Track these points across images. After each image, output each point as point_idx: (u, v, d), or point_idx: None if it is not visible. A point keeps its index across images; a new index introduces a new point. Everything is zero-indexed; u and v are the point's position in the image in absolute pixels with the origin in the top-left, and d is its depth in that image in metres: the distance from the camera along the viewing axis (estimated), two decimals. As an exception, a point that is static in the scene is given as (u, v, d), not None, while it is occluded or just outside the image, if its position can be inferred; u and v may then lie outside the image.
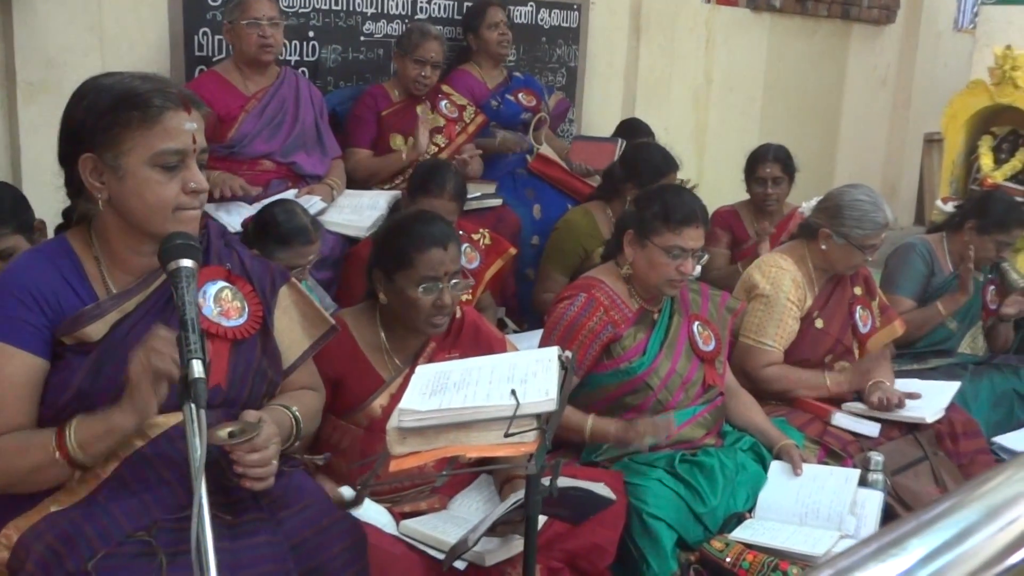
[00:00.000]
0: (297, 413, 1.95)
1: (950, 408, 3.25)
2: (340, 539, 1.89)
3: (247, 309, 1.91)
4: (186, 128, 1.75)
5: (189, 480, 1.43)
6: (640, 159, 3.85)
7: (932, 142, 7.68)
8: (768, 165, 4.32)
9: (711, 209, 4.60)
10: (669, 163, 3.84)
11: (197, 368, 1.49)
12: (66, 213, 1.90)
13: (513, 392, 1.75)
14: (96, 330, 1.76)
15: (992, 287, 3.93)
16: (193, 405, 1.46)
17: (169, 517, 1.74)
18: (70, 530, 1.67)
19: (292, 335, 2.04)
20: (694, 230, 2.76)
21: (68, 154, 1.77)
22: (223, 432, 1.67)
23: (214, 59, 3.86)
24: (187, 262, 1.61)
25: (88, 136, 1.73)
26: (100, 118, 1.72)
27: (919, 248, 3.89)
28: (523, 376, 1.82)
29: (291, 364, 2.04)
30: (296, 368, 2.06)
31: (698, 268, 2.83)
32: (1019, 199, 4.94)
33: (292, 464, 2.00)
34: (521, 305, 4.23)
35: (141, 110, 1.71)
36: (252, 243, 2.82)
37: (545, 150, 4.54)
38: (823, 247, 3.27)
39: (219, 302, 1.86)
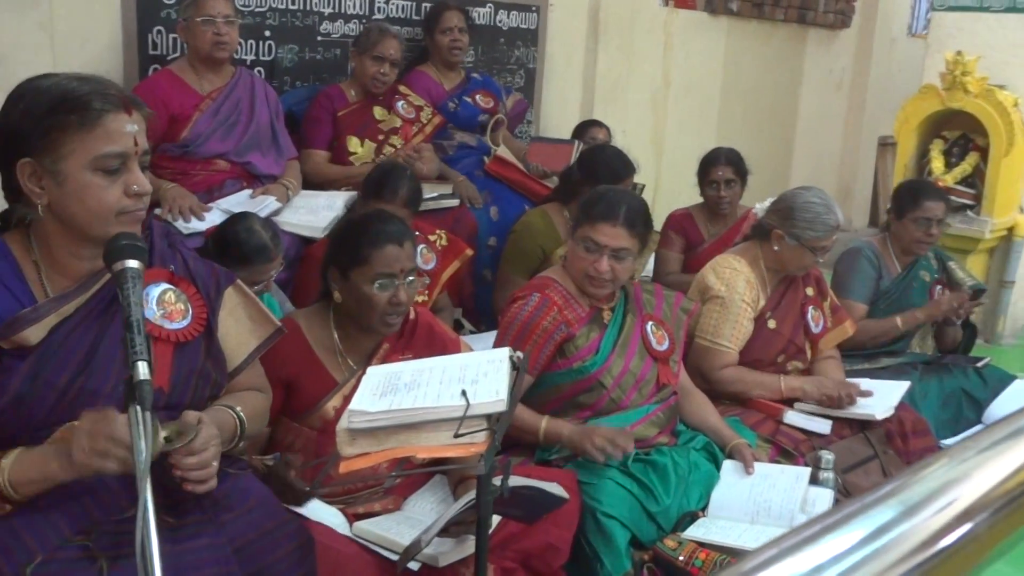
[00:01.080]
0: (241, 413, 1.93)
1: (900, 407, 3.31)
2: (286, 541, 1.87)
3: (191, 311, 1.89)
4: (127, 130, 1.72)
5: (129, 483, 1.42)
6: (597, 162, 3.87)
7: (886, 145, 7.78)
8: (720, 168, 4.36)
9: (668, 210, 4.68)
10: (626, 166, 3.86)
11: (143, 370, 1.47)
12: (4, 215, 1.86)
13: (463, 393, 1.75)
14: (34, 334, 1.73)
15: (939, 287, 3.99)
16: (139, 407, 1.45)
17: (109, 520, 1.71)
18: (7, 536, 1.65)
19: (238, 337, 2.03)
20: (610, 227, 2.77)
21: (4, 158, 1.73)
22: (160, 436, 1.65)
23: (168, 58, 3.83)
24: (133, 263, 1.59)
25: (25, 141, 1.69)
26: (37, 122, 1.69)
27: (865, 251, 3.95)
28: (474, 377, 1.82)
29: (237, 366, 2.03)
30: (242, 370, 2.04)
31: (650, 265, 2.85)
32: (956, 199, 5.06)
33: (240, 466, 1.98)
34: (478, 306, 4.23)
35: (79, 113, 1.68)
36: (212, 260, 2.82)
37: (502, 152, 4.54)
38: (776, 248, 3.31)
39: (162, 304, 1.84)
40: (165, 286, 1.87)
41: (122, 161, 1.72)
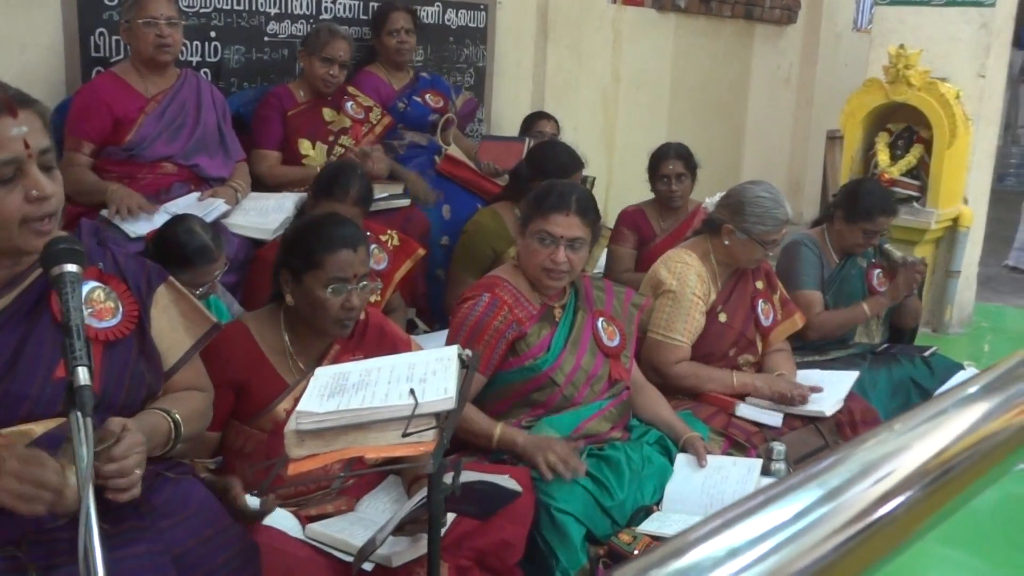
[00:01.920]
0: (176, 416, 1.89)
1: (849, 397, 3.35)
2: (225, 548, 1.84)
3: (121, 309, 1.85)
4: (13, 134, 1.65)
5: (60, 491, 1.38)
6: (546, 157, 3.88)
7: (834, 139, 7.89)
8: (671, 162, 4.39)
9: (620, 206, 4.71)
10: (575, 161, 3.88)
11: (83, 375, 1.44)
12: None
13: (412, 391, 1.75)
14: None
15: (878, 271, 4.04)
16: (79, 413, 1.42)
17: (40, 529, 1.67)
18: None
19: (173, 335, 1.99)
20: (563, 217, 2.78)
21: None
22: None
23: (111, 60, 3.77)
24: (71, 267, 1.56)
25: None
26: None
27: (805, 241, 3.99)
28: (422, 375, 1.82)
29: (172, 365, 1.99)
30: (178, 369, 2.01)
31: (601, 261, 2.86)
32: (902, 191, 5.13)
33: (180, 470, 1.95)
34: (431, 306, 4.22)
35: None
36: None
37: (453, 151, 4.54)
38: (726, 243, 3.34)
39: (90, 303, 1.80)
40: (93, 284, 1.83)
41: (15, 167, 1.66)
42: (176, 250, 2.84)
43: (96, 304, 1.82)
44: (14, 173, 1.67)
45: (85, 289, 1.80)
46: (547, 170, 3.72)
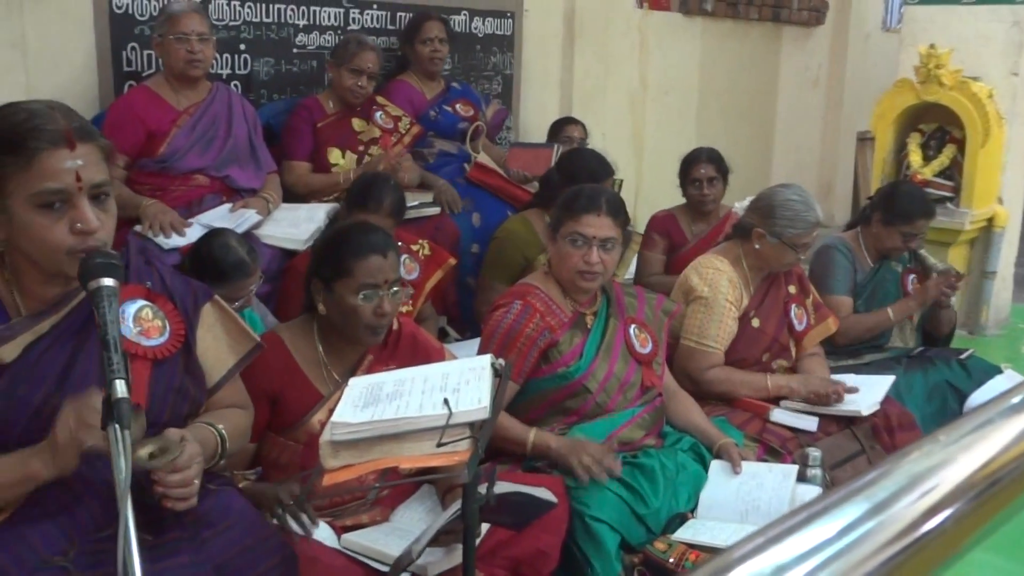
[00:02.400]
0: (223, 431, 1.92)
1: (885, 401, 3.31)
2: (267, 558, 1.86)
3: (168, 328, 1.88)
4: (66, 167, 1.68)
5: (108, 501, 1.40)
6: (576, 165, 3.88)
7: (865, 140, 7.82)
8: (702, 166, 4.37)
9: (650, 211, 4.69)
10: (605, 168, 3.87)
11: (120, 388, 1.46)
12: None
13: (446, 401, 1.75)
14: (7, 352, 1.72)
15: (912, 276, 3.99)
16: (117, 426, 1.44)
17: (88, 539, 1.70)
18: None
19: (217, 353, 2.02)
20: (595, 217, 2.79)
21: None
22: (143, 452, 1.64)
23: (143, 74, 3.81)
24: (108, 281, 1.58)
25: None
26: None
27: (838, 247, 3.96)
28: (456, 385, 1.82)
29: (216, 382, 2.01)
30: (221, 386, 2.03)
31: (631, 268, 2.85)
32: (935, 191, 5.08)
33: (221, 482, 1.97)
34: (463, 313, 4.22)
35: (15, 154, 1.66)
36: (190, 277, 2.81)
37: (483, 159, 4.54)
38: (757, 247, 3.32)
39: (139, 321, 1.83)
40: (142, 303, 1.86)
41: (63, 198, 1.69)
42: (212, 265, 2.86)
43: (144, 323, 1.84)
44: (63, 203, 1.69)
45: (133, 308, 1.83)
46: (577, 177, 3.71)
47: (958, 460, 0.73)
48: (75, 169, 1.69)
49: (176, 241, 3.35)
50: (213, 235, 3.02)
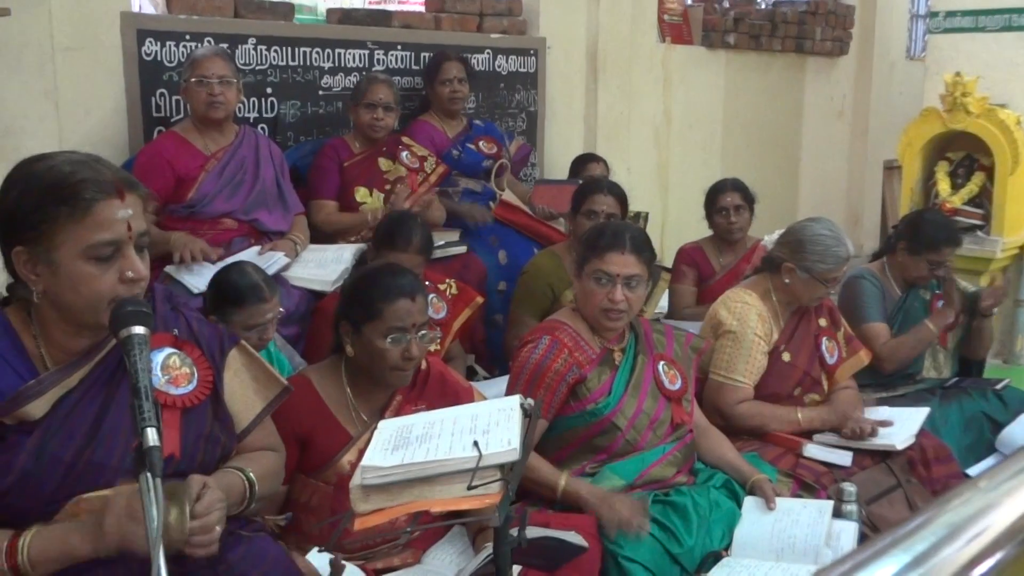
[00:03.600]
0: (251, 475, 1.91)
1: (921, 434, 3.27)
2: None
3: (196, 375, 1.88)
4: (119, 217, 1.71)
5: (143, 555, 1.40)
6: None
7: (892, 169, 7.79)
8: (728, 194, 4.37)
9: (676, 245, 4.68)
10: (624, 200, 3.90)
11: (152, 436, 1.46)
12: (10, 288, 1.84)
13: (475, 443, 1.74)
14: (37, 408, 1.71)
15: (940, 303, 3.94)
16: (149, 474, 1.44)
17: None
18: None
19: (244, 398, 2.01)
20: (619, 255, 2.78)
21: (4, 240, 1.73)
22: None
23: (172, 120, 3.87)
24: (139, 329, 1.58)
25: (19, 230, 1.69)
26: (29, 214, 1.68)
27: (866, 276, 3.92)
28: (485, 427, 1.81)
29: (245, 428, 2.01)
30: (250, 431, 2.03)
31: (663, 303, 2.84)
32: (965, 220, 5.03)
33: (254, 528, 1.96)
34: (491, 351, 4.22)
35: (70, 204, 1.67)
36: (210, 309, 2.83)
37: (508, 196, 4.56)
38: (787, 281, 3.29)
39: (167, 370, 1.83)
40: (169, 351, 1.86)
41: (115, 248, 1.71)
42: (229, 289, 2.87)
43: (172, 371, 1.84)
44: (113, 253, 1.71)
45: (161, 356, 1.83)
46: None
47: (1000, 506, 0.72)
48: (127, 219, 1.71)
49: (204, 284, 3.37)
50: (231, 265, 3.05)
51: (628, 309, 2.80)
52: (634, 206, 4.10)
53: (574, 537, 2.13)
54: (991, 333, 4.12)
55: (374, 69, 4.55)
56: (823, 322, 3.43)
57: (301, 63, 4.32)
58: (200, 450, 1.87)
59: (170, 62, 3.85)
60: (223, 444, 1.93)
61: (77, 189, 1.68)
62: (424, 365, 2.57)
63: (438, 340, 3.47)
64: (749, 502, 2.81)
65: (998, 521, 0.71)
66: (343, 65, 4.48)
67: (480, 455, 1.71)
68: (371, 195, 4.16)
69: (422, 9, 5.06)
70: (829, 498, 2.86)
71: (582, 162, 5.06)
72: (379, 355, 2.38)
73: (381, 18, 4.73)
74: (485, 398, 2.65)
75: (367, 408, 2.46)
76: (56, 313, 1.75)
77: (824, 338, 3.39)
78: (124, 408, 1.64)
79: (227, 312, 2.80)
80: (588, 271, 2.81)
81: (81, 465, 1.72)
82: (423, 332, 2.43)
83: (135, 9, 3.90)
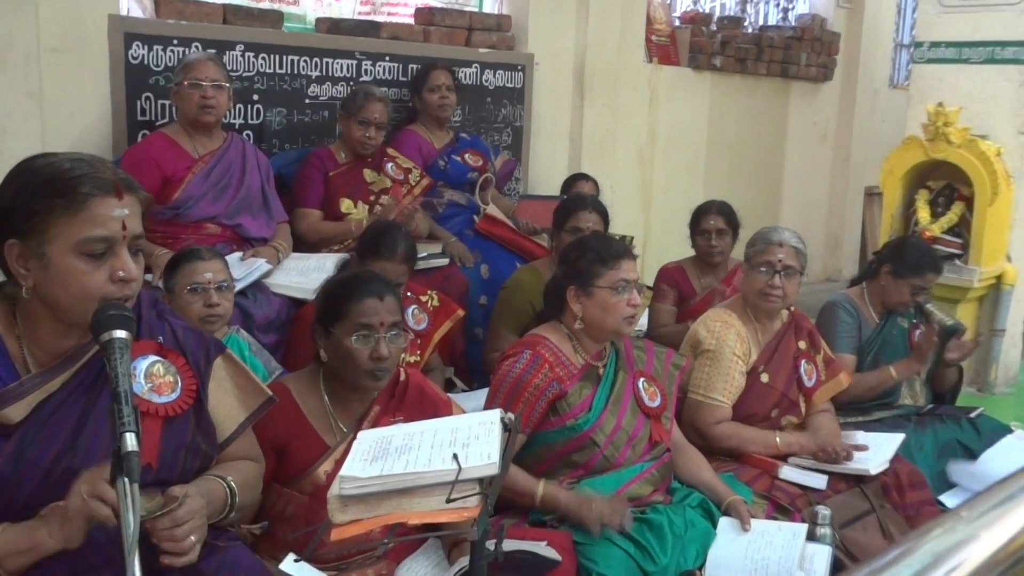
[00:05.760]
0: (232, 483, 1.90)
1: (895, 459, 3.28)
2: None
3: (180, 384, 1.86)
4: (115, 215, 1.70)
5: (115, 562, 1.38)
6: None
7: (873, 195, 7.85)
8: (712, 217, 4.39)
9: (658, 264, 4.69)
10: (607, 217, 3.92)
11: (131, 441, 1.44)
12: None
13: (455, 456, 1.74)
14: (17, 411, 1.69)
15: (918, 331, 3.97)
16: (126, 480, 1.42)
17: None
18: None
19: (227, 407, 2.00)
20: (628, 262, 2.85)
21: None
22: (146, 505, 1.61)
23: (157, 124, 3.85)
24: (121, 333, 1.57)
25: (13, 222, 1.68)
26: (25, 205, 1.67)
27: (842, 303, 3.96)
28: (465, 440, 1.81)
29: (227, 437, 2.00)
30: (232, 440, 2.01)
31: (643, 321, 2.86)
32: (943, 248, 5.09)
33: (229, 537, 1.94)
34: (470, 364, 4.21)
35: (66, 197, 1.67)
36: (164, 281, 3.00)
37: (492, 210, 4.57)
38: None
39: (150, 378, 1.81)
40: (153, 358, 1.84)
41: (108, 246, 1.70)
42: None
43: (156, 379, 1.83)
44: (105, 251, 1.70)
45: (145, 364, 1.82)
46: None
47: (981, 537, 0.72)
48: (122, 218, 1.71)
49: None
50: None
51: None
52: (617, 224, 4.12)
53: (547, 550, 2.13)
54: (953, 377, 4.16)
55: (361, 79, 4.56)
56: (803, 344, 3.45)
57: (289, 71, 4.32)
58: (180, 460, 1.85)
59: (157, 66, 3.84)
60: (204, 454, 1.92)
61: (74, 184, 1.67)
62: (403, 376, 2.56)
63: (419, 347, 3.47)
64: (724, 523, 2.82)
65: (978, 552, 0.71)
66: (330, 74, 4.48)
67: (459, 468, 1.71)
68: (356, 207, 4.16)
69: (411, 21, 5.08)
70: (803, 521, 2.87)
71: (572, 182, 5.08)
72: (348, 356, 2.38)
73: (370, 29, 4.73)
74: (463, 410, 2.64)
75: (345, 418, 2.46)
76: (44, 310, 1.74)
77: (803, 360, 3.41)
78: (105, 415, 1.63)
79: (168, 277, 2.95)
80: (605, 283, 2.79)
81: (58, 472, 1.69)
82: (393, 332, 2.42)
83: (123, 12, 3.89)
